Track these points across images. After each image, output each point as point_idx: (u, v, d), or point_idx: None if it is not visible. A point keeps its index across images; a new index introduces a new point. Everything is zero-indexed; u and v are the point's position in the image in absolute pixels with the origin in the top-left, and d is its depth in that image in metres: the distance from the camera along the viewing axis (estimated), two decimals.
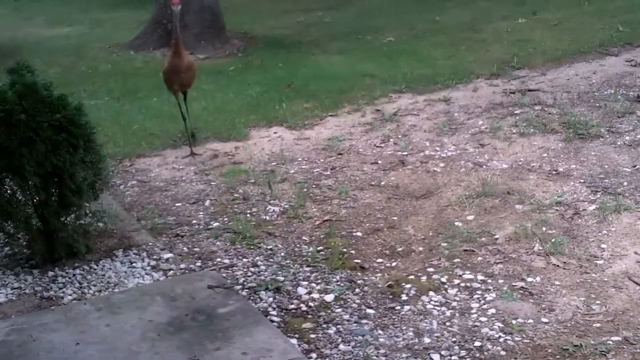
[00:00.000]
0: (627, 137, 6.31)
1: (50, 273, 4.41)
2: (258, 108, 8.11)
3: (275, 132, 7.25)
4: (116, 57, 12.14)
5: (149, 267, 4.50)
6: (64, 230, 4.43)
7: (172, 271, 4.45)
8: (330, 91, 8.58)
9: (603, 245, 4.49)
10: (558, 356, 3.44)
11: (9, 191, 4.38)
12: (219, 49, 11.99)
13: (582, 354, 3.44)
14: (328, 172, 6.08)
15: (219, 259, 4.61)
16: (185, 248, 4.78)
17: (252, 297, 4.11)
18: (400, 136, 6.84)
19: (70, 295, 4.18)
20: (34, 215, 4.43)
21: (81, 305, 3.98)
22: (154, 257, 4.63)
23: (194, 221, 5.23)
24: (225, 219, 5.21)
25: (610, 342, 3.53)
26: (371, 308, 3.99)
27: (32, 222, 4.42)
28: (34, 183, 4.27)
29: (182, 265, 4.53)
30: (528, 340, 3.60)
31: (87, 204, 4.60)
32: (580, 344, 3.52)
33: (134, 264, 4.53)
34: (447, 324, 3.80)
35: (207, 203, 5.55)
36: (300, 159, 6.43)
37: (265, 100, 8.41)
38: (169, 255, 4.66)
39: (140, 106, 8.57)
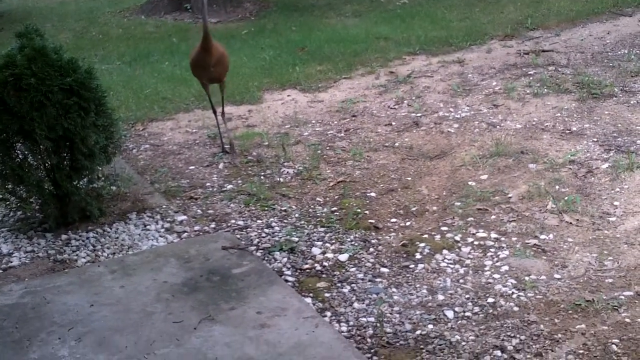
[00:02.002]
0: None
1: (64, 236, 4.44)
2: (271, 71, 8.09)
3: (288, 95, 7.24)
4: (127, 21, 12.12)
5: (162, 230, 4.52)
6: (76, 194, 4.44)
7: (186, 233, 4.48)
8: (344, 54, 8.55)
9: (616, 203, 4.46)
10: (570, 311, 3.44)
11: (20, 155, 4.40)
12: (231, 13, 11.94)
13: (594, 309, 3.44)
14: (342, 134, 6.07)
15: (233, 221, 4.63)
16: (199, 210, 4.80)
17: (266, 258, 4.13)
18: (414, 98, 6.81)
19: (84, 258, 4.21)
20: (46, 179, 4.45)
21: (95, 268, 4.01)
22: (168, 219, 4.65)
23: (208, 184, 5.24)
24: (239, 182, 5.22)
25: (622, 297, 3.53)
26: (385, 267, 4.00)
27: (45, 185, 4.43)
28: (45, 147, 4.28)
29: (196, 228, 4.55)
30: (541, 296, 3.60)
31: (100, 168, 4.61)
32: (593, 299, 3.51)
33: (147, 227, 4.55)
34: (461, 281, 3.80)
35: (220, 166, 5.56)
36: (314, 122, 6.41)
37: (278, 64, 8.38)
38: (183, 217, 4.68)
39: (152, 70, 8.57)
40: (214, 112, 5.83)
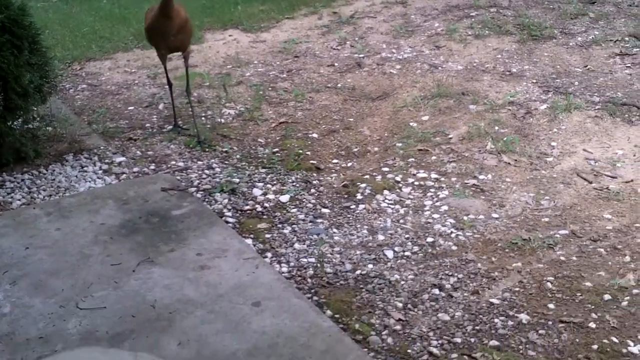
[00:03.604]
0: (579, 38, 6.33)
1: None
2: (213, 10, 7.93)
3: (230, 35, 7.11)
4: None
5: (100, 171, 4.43)
6: (10, 135, 4.31)
7: (124, 175, 4.40)
8: None
9: (553, 143, 4.53)
10: (507, 250, 3.51)
11: None
12: None
13: (530, 247, 3.51)
14: (284, 75, 6.01)
15: (173, 162, 4.56)
16: (138, 152, 4.71)
17: (206, 199, 4.09)
18: (357, 39, 6.76)
19: (18, 200, 4.10)
20: None
21: (30, 210, 3.91)
22: (106, 161, 4.56)
23: (148, 125, 5.15)
24: (180, 123, 5.13)
25: (558, 236, 3.60)
26: (326, 208, 4.00)
27: None
28: None
29: (135, 169, 4.47)
30: (479, 235, 3.65)
31: (35, 108, 4.48)
32: (529, 237, 3.58)
33: (85, 168, 4.45)
34: (401, 221, 3.83)
35: (160, 107, 5.46)
36: (256, 62, 6.33)
37: (220, 3, 8.21)
38: (122, 159, 4.59)
39: (89, 8, 8.31)
40: (169, 85, 5.06)
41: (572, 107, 4.89)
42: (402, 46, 6.47)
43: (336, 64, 6.16)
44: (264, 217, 3.93)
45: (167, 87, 5.15)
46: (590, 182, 4.07)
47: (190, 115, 5.02)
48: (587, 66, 5.71)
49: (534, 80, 5.48)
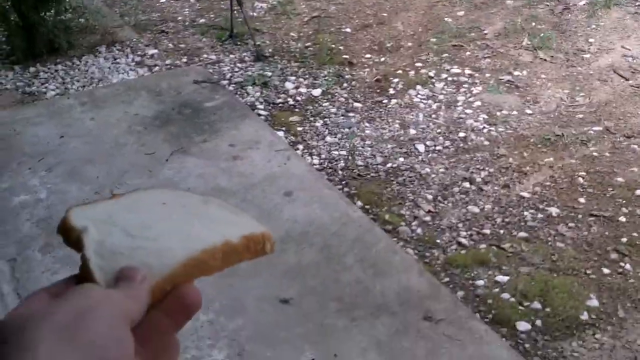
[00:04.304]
0: None
1: (32, 69, 4.35)
2: None
3: None
4: None
5: (133, 63, 4.44)
6: (43, 25, 4.32)
7: (157, 67, 4.40)
8: None
9: (591, 40, 4.43)
10: (540, 145, 3.49)
11: None
12: None
13: (563, 143, 3.48)
14: None
15: (205, 55, 4.55)
16: (170, 44, 4.70)
17: (239, 92, 4.09)
18: None
19: (53, 90, 4.14)
20: (12, 10, 4.30)
21: (64, 100, 3.95)
22: (139, 53, 4.56)
23: (179, 17, 5.11)
24: (212, 16, 5.09)
25: (592, 132, 3.57)
26: (358, 102, 3.99)
27: (10, 17, 4.29)
28: None
29: (168, 62, 4.47)
30: (511, 131, 3.63)
31: None
32: (562, 133, 3.55)
33: (117, 60, 4.46)
34: (433, 116, 3.81)
35: None
36: None
37: None
38: (154, 51, 4.58)
39: None
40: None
41: (611, 3, 4.76)
42: None
43: None
44: (296, 110, 3.93)
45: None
46: (627, 79, 4.00)
47: (223, 8, 4.97)
48: None
49: None
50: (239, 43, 4.66)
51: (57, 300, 0.51)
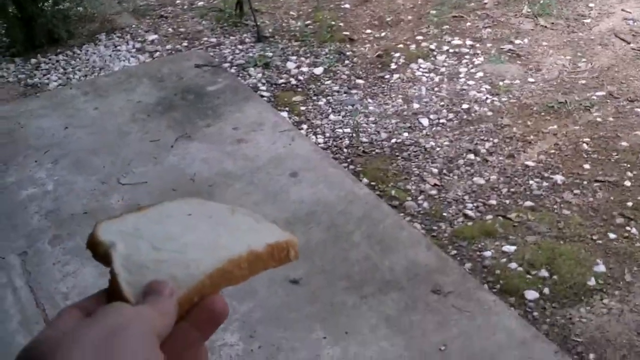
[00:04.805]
0: None
1: (33, 60, 4.36)
2: None
3: None
4: None
5: (134, 50, 4.44)
6: (42, 16, 4.32)
7: (158, 52, 4.40)
8: None
9: (591, 4, 4.41)
10: (543, 113, 3.48)
11: None
12: None
13: (566, 109, 3.48)
14: None
15: (205, 39, 4.55)
16: (170, 29, 4.70)
17: (240, 74, 4.09)
18: None
19: (55, 81, 4.15)
20: (9, 2, 4.30)
21: (67, 90, 3.96)
22: (139, 39, 4.56)
23: (178, 1, 5.10)
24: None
25: (595, 97, 3.56)
26: (360, 78, 3.99)
27: (8, 9, 4.29)
28: None
29: (168, 47, 4.47)
30: (515, 100, 3.62)
31: None
32: (565, 100, 3.55)
33: (118, 47, 4.46)
34: (436, 89, 3.81)
35: None
36: None
37: None
38: (154, 36, 4.58)
39: None
40: None
41: None
42: None
43: None
44: (299, 90, 3.93)
45: None
46: (629, 43, 3.98)
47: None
48: None
49: None
50: (238, 24, 4.65)
51: (88, 319, 0.52)
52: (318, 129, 3.58)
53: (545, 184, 3.00)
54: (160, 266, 0.59)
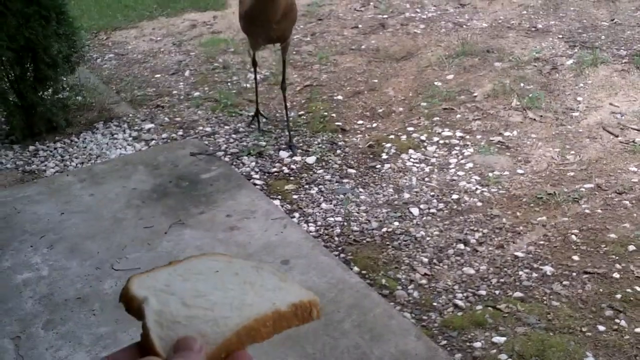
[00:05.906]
0: None
1: (31, 147, 4.42)
2: None
3: None
4: None
5: (130, 138, 4.52)
6: (42, 105, 4.41)
7: (154, 141, 4.48)
8: None
9: (579, 98, 4.53)
10: (532, 204, 3.54)
11: None
12: None
13: (555, 201, 3.53)
14: (308, 38, 6.03)
15: (200, 128, 4.63)
16: (166, 118, 4.79)
17: (234, 163, 4.16)
18: None
19: (52, 168, 4.21)
20: (10, 91, 4.40)
21: (64, 177, 4.01)
22: (135, 128, 4.64)
23: (174, 91, 5.21)
24: (206, 89, 5.20)
25: (583, 189, 3.62)
26: (352, 168, 4.05)
27: (9, 97, 4.38)
28: (7, 58, 4.21)
29: (164, 135, 4.55)
30: (504, 191, 3.68)
31: (64, 78, 4.57)
32: (554, 192, 3.60)
33: (115, 136, 4.54)
34: (426, 179, 3.87)
35: (186, 73, 5.52)
36: None
37: None
38: (150, 125, 4.67)
39: None
40: (254, 67, 4.46)
41: (598, 61, 4.87)
42: (426, 5, 6.45)
43: (360, 26, 6.16)
44: (291, 178, 3.99)
45: (255, 84, 4.65)
46: (617, 136, 4.07)
47: (217, 81, 5.06)
48: (614, 20, 5.66)
49: (560, 36, 5.45)
50: (233, 114, 4.74)
51: None
52: (310, 217, 3.62)
53: (534, 274, 3.03)
54: (190, 322, 0.63)
